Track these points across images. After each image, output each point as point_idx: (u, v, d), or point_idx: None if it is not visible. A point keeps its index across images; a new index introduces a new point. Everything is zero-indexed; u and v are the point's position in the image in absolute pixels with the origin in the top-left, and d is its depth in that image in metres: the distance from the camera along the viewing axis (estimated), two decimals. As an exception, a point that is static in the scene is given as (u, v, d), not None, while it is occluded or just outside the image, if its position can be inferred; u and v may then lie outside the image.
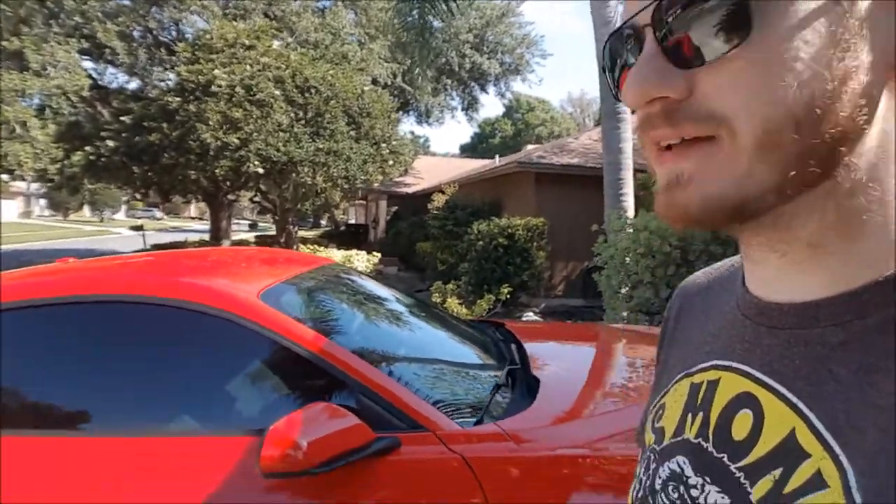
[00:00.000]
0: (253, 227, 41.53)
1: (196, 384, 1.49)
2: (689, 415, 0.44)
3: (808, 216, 0.35)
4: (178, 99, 10.43)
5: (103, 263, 1.92)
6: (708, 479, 0.39)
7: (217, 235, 15.89)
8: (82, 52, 12.55)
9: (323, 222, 36.00)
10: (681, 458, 0.43)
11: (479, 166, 17.88)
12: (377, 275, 14.08)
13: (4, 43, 10.24)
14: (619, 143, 6.66)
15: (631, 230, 5.23)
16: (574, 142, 12.03)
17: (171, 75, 13.07)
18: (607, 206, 6.76)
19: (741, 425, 0.38)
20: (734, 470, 0.38)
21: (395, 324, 2.05)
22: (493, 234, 9.49)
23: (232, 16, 13.01)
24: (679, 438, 0.44)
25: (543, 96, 57.90)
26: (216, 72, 10.37)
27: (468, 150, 54.01)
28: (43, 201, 50.64)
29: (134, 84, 13.81)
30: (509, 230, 9.44)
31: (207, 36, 11.24)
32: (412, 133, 35.12)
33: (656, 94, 0.34)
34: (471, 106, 21.31)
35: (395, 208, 21.90)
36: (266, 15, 13.37)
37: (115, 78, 14.24)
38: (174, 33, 14.24)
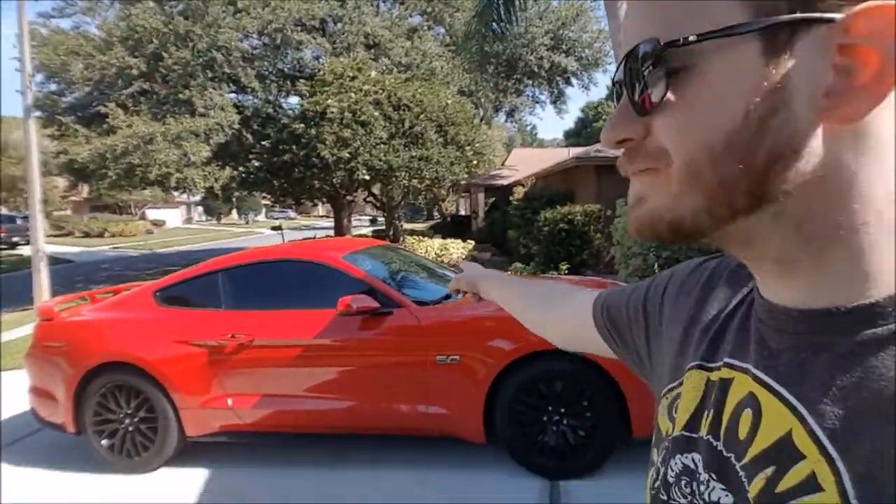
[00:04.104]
0: (373, 221, 45.79)
1: (316, 291, 3.68)
2: (705, 412, 0.46)
3: (768, 236, 0.38)
4: (302, 125, 13.21)
5: (280, 246, 4.22)
6: (714, 477, 0.42)
7: (340, 231, 18.88)
8: (231, 91, 15.91)
9: (436, 215, 38.99)
10: (695, 455, 0.45)
11: (565, 157, 19.27)
12: (472, 260, 16.20)
13: (180, 95, 13.64)
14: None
15: (623, 214, 6.81)
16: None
17: (295, 100, 16.17)
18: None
19: (744, 424, 0.41)
20: (738, 469, 0.40)
21: (405, 269, 4.16)
22: (557, 220, 11.15)
23: (339, 49, 15.69)
24: (695, 435, 0.46)
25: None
26: (329, 101, 12.99)
27: (572, 136, 54.38)
28: (200, 208, 58.98)
29: (269, 110, 16.91)
30: (569, 216, 11.05)
31: (321, 72, 13.95)
32: (516, 124, 36.56)
33: (621, 136, 0.41)
34: (558, 99, 22.53)
35: (492, 199, 23.88)
36: (366, 45, 15.91)
37: (254, 106, 17.41)
38: (297, 66, 17.28)
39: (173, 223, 50.64)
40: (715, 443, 0.43)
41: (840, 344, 0.37)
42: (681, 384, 0.51)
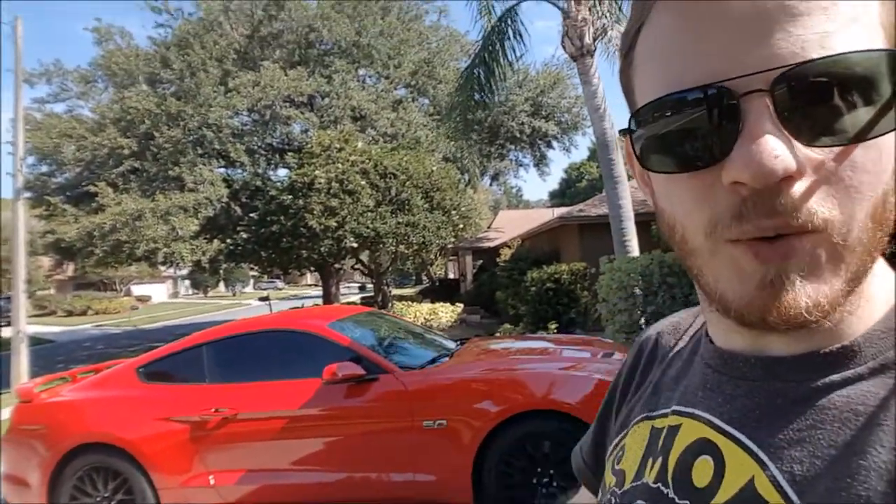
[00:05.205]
0: (362, 288, 45.66)
1: (302, 360, 3.66)
2: (650, 459, 0.45)
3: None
4: (290, 196, 13.45)
5: (265, 316, 4.23)
6: None
7: (328, 299, 18.81)
8: (221, 166, 16.28)
9: (425, 279, 39.09)
10: (640, 503, 0.43)
11: (550, 218, 19.63)
12: (461, 323, 16.12)
13: (170, 172, 13.92)
14: (619, 201, 8.37)
15: (609, 271, 6.91)
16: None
17: (283, 172, 16.58)
18: (616, 250, 8.43)
19: (702, 472, 0.40)
20: None
21: (391, 334, 4.16)
22: (543, 280, 11.24)
23: (327, 122, 16.23)
24: (639, 483, 0.45)
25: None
26: (317, 172, 13.30)
27: (557, 196, 55.59)
28: (187, 282, 58.66)
29: (258, 183, 17.18)
30: (556, 275, 11.15)
31: (309, 145, 14.37)
32: (501, 187, 37.34)
33: (788, 171, 0.32)
34: (541, 162, 23.21)
35: (480, 262, 24.07)
36: (352, 117, 16.48)
37: (243, 179, 17.67)
38: (285, 140, 17.78)
39: (159, 298, 50.14)
40: (665, 490, 0.42)
41: (795, 390, 0.38)
42: (625, 436, 0.51)
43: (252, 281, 62.58)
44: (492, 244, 22.55)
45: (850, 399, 0.36)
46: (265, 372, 3.67)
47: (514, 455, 3.19)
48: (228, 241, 14.47)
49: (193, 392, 3.65)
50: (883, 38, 0.35)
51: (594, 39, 8.50)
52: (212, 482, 3.46)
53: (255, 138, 16.41)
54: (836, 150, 0.33)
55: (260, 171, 16.73)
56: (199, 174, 14.51)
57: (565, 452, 3.12)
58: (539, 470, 3.18)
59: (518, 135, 19.56)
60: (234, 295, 56.66)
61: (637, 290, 6.39)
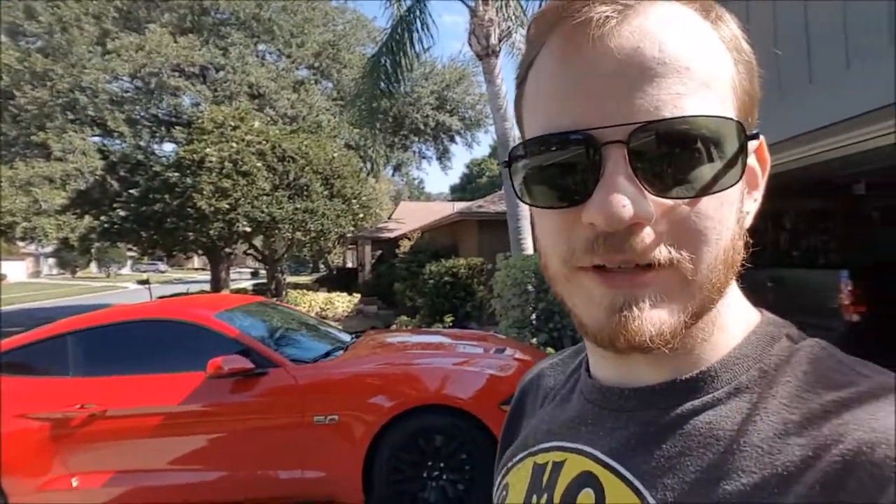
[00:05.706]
0: (255, 274, 43.56)
1: (185, 353, 3.43)
2: (534, 496, 0.46)
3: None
4: (177, 174, 12.53)
5: (143, 304, 3.91)
6: None
7: (217, 285, 17.78)
8: (96, 135, 14.78)
9: (322, 267, 38.06)
10: None
11: (450, 212, 19.89)
12: (358, 314, 15.92)
13: (33, 137, 12.43)
14: (516, 200, 8.67)
15: (504, 268, 7.16)
16: (513, 190, 14.05)
17: (170, 147, 15.38)
18: (512, 247, 8.72)
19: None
20: None
21: (283, 326, 4.03)
22: (441, 273, 11.40)
23: (221, 97, 15.27)
24: None
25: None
26: (208, 150, 12.49)
27: (458, 191, 56.46)
28: (51, 260, 52.85)
29: (139, 156, 15.87)
30: (454, 269, 11.35)
31: (200, 120, 13.45)
32: (403, 178, 37.23)
33: (634, 220, 0.36)
34: (443, 156, 23.44)
35: (379, 252, 23.89)
36: (250, 95, 15.65)
37: (122, 151, 16.26)
38: (173, 112, 16.51)
39: (17, 277, 44.83)
40: None
41: (663, 417, 0.40)
42: (507, 473, 0.52)
43: (130, 262, 57.66)
44: (392, 235, 22.43)
45: (711, 424, 0.38)
46: (141, 365, 3.39)
47: (405, 450, 3.20)
48: (103, 217, 13.21)
49: (55, 386, 3.29)
50: (734, 101, 0.39)
51: (500, 40, 8.69)
52: (75, 485, 3.15)
53: (138, 107, 15.12)
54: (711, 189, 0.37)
55: (143, 143, 15.46)
56: (68, 142, 13.13)
57: (456, 446, 3.21)
58: (430, 464, 3.22)
59: (422, 127, 19.63)
60: (107, 276, 51.86)
61: (530, 287, 6.66)
